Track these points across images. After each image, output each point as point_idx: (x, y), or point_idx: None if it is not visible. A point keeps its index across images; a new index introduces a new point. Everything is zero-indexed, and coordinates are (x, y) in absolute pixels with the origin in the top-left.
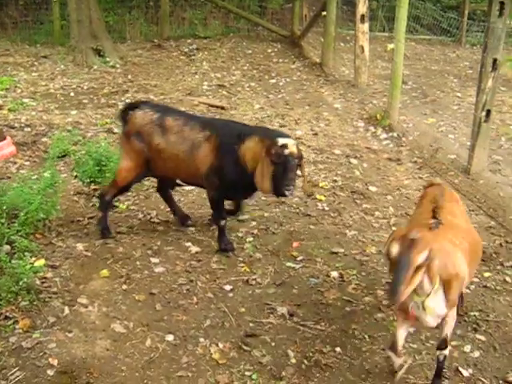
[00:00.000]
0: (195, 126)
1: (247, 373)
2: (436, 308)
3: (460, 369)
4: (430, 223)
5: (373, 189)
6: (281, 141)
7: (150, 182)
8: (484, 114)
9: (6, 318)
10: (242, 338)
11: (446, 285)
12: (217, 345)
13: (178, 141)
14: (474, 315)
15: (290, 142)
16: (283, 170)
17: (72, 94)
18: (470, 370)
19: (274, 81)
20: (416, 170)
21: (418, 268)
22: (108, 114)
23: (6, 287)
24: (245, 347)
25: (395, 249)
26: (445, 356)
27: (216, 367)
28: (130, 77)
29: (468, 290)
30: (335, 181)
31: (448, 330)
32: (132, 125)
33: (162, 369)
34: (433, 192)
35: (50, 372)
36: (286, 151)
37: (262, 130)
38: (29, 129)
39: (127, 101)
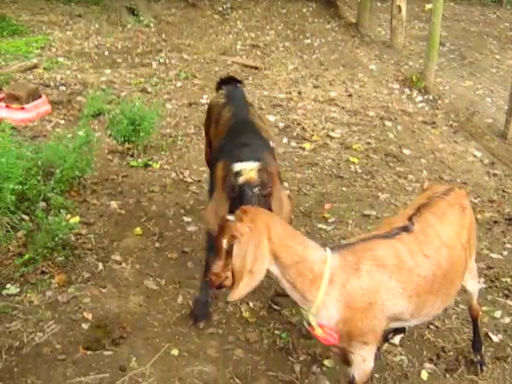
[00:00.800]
0: None
1: (277, 331)
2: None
3: (490, 334)
4: (392, 228)
5: (406, 152)
6: (236, 167)
7: (184, 142)
8: None
9: (43, 272)
10: (271, 297)
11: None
12: (247, 304)
13: None
14: (506, 281)
15: (248, 166)
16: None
17: (106, 53)
18: (500, 336)
19: (308, 41)
20: (451, 133)
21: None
22: (142, 74)
23: (43, 243)
24: (275, 306)
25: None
26: None
27: (246, 325)
28: (163, 36)
29: (500, 256)
30: (369, 143)
31: (356, 371)
32: None
33: (193, 326)
34: (436, 189)
35: (85, 326)
36: (240, 179)
37: (234, 150)
38: (64, 87)
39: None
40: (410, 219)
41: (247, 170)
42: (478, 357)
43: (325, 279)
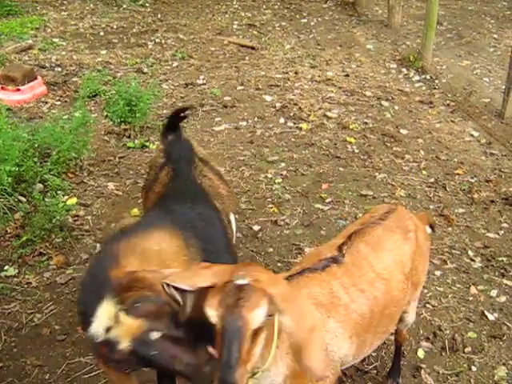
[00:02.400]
0: None
1: None
2: None
3: (486, 313)
4: (321, 260)
5: (404, 132)
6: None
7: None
8: None
9: (41, 254)
10: None
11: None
12: None
13: None
14: (502, 260)
15: (106, 313)
16: None
17: (102, 34)
18: (496, 315)
19: (305, 20)
20: (448, 113)
21: (257, 333)
22: (138, 54)
23: (40, 224)
24: None
25: (212, 312)
26: None
27: None
28: (159, 16)
29: (497, 235)
30: (366, 123)
31: None
32: None
33: None
34: (375, 212)
35: None
36: (122, 345)
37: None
38: (59, 68)
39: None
40: (339, 249)
41: (109, 319)
42: None
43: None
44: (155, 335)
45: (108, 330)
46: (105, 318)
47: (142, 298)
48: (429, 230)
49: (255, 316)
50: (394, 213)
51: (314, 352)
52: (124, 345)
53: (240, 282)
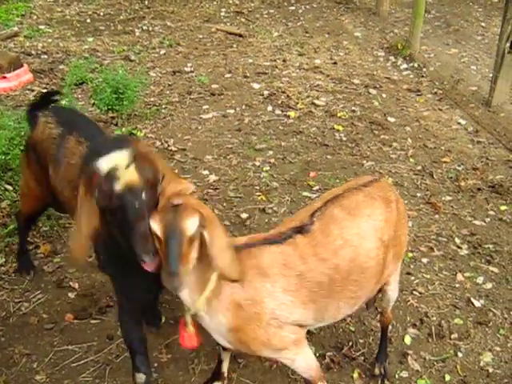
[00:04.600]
0: None
1: None
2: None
3: (472, 299)
4: (287, 230)
5: (391, 119)
6: (102, 164)
7: (168, 110)
8: (508, 44)
9: (28, 242)
10: None
11: None
12: None
13: None
14: (488, 247)
15: (118, 158)
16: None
17: (88, 21)
18: (482, 301)
19: (293, 8)
20: (436, 101)
21: (191, 240)
22: (125, 41)
23: None
24: None
25: (155, 225)
26: None
27: None
28: (146, 3)
29: (483, 223)
30: (353, 111)
31: (298, 370)
32: None
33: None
34: (358, 180)
35: (71, 295)
36: (118, 185)
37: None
38: (45, 56)
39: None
40: (311, 215)
41: (120, 165)
42: (382, 369)
43: (209, 286)
44: (143, 196)
45: (113, 169)
46: (117, 159)
47: (150, 167)
48: None
49: (189, 225)
50: (378, 182)
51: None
52: (119, 186)
53: (175, 201)
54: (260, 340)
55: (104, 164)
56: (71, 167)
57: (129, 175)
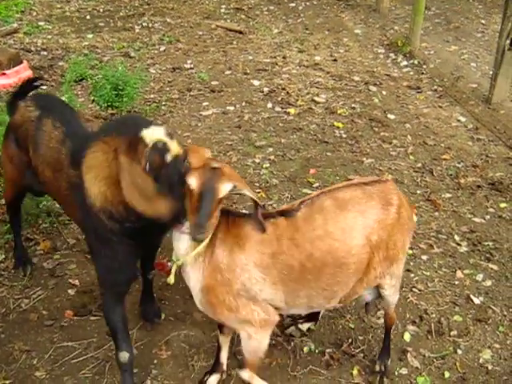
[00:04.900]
0: None
1: None
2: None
3: (471, 297)
4: (276, 211)
5: (391, 117)
6: (147, 135)
7: (168, 107)
8: (508, 42)
9: (28, 239)
10: None
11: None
12: None
13: None
14: (488, 245)
15: (159, 132)
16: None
17: (88, 17)
18: (481, 298)
19: (293, 4)
20: (436, 98)
21: (220, 201)
22: (125, 38)
23: (27, 210)
24: None
25: (194, 181)
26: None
27: None
28: None
29: (483, 220)
30: (353, 108)
31: (244, 348)
32: None
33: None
34: (364, 179)
35: (71, 292)
36: (169, 156)
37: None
38: (45, 52)
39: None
40: (301, 202)
41: (163, 137)
42: (382, 367)
43: (204, 242)
44: (184, 164)
45: (160, 141)
46: (159, 133)
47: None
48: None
49: (223, 188)
50: (382, 183)
51: (221, 287)
52: (169, 157)
53: (215, 165)
54: (227, 305)
55: (147, 135)
56: (51, 148)
57: (174, 147)
